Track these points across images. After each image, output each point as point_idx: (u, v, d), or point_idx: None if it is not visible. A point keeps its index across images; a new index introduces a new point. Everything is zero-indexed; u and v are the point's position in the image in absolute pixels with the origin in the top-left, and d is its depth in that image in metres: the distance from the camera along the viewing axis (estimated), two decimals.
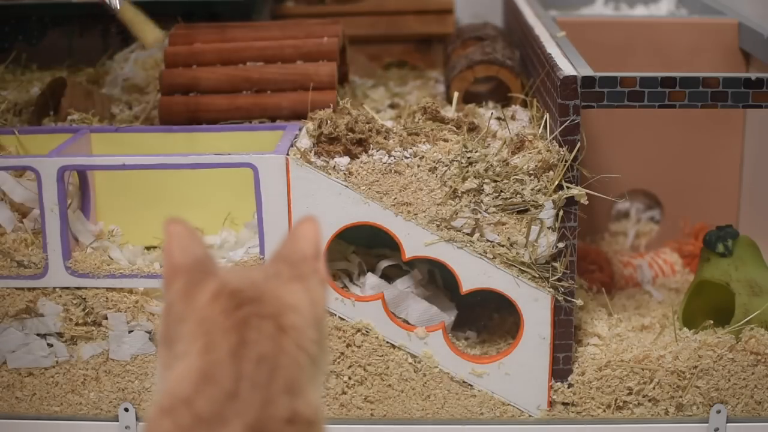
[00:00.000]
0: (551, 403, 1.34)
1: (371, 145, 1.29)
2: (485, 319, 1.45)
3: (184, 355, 0.68)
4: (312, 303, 0.72)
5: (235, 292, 0.70)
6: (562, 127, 1.26)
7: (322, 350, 0.72)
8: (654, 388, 1.32)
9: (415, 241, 1.29)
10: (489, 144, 1.31)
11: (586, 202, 1.28)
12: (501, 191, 1.27)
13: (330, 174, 1.28)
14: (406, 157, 1.28)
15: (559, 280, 1.29)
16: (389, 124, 1.39)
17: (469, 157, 1.27)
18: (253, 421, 0.65)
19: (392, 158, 1.28)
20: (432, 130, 1.34)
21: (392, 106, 1.62)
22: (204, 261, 0.72)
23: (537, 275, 1.29)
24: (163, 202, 1.45)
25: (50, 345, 1.35)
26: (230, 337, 0.67)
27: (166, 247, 0.73)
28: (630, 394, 1.33)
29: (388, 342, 1.33)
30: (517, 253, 1.28)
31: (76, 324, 1.34)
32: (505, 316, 1.44)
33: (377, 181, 1.28)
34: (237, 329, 0.68)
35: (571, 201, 1.27)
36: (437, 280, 1.44)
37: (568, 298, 1.30)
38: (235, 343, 0.67)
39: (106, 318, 1.33)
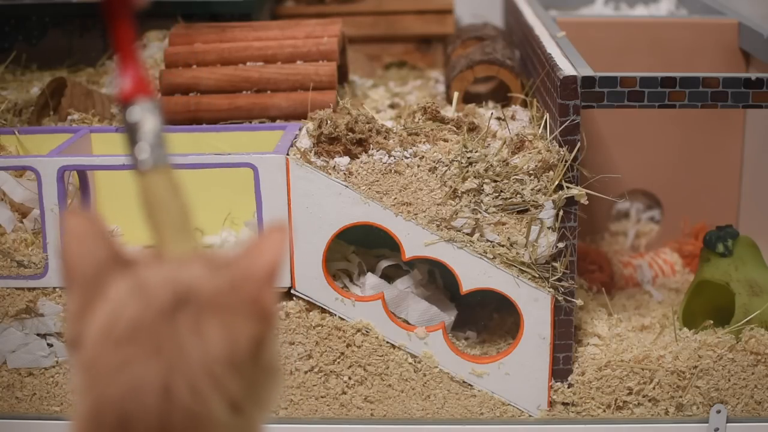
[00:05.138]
0: (551, 403, 1.34)
1: (371, 145, 1.29)
2: (485, 319, 1.45)
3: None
4: (231, 345, 0.58)
5: (123, 335, 0.57)
6: (562, 127, 1.26)
7: (257, 390, 0.60)
8: (654, 388, 1.32)
9: (415, 241, 1.29)
10: (489, 144, 1.31)
11: (586, 202, 1.28)
12: (501, 191, 1.27)
13: (330, 174, 1.28)
14: (406, 157, 1.28)
15: (559, 280, 1.29)
16: (389, 124, 1.39)
17: (469, 157, 1.27)
18: None
19: (392, 158, 1.28)
20: (432, 130, 1.34)
21: (392, 106, 1.62)
22: (105, 269, 0.60)
23: (537, 275, 1.29)
24: None
25: (50, 345, 1.35)
26: (114, 408, 0.56)
27: (63, 249, 0.61)
28: (630, 394, 1.33)
29: (388, 342, 1.33)
30: (517, 253, 1.28)
31: None
32: (505, 316, 1.44)
33: (377, 181, 1.28)
34: (125, 400, 0.56)
35: (571, 201, 1.27)
36: (437, 280, 1.44)
37: (568, 298, 1.30)
38: (119, 418, 0.56)
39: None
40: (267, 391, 0.61)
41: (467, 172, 1.27)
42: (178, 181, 0.67)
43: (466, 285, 1.30)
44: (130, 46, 0.68)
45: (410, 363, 1.33)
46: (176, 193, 0.67)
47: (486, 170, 1.27)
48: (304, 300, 1.32)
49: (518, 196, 1.26)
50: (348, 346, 1.33)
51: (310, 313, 1.32)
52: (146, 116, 0.68)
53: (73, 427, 0.57)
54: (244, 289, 0.59)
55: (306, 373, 1.34)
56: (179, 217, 0.66)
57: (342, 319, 1.32)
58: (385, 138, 1.31)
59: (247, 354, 0.58)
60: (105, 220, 0.63)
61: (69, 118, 1.50)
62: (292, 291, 1.32)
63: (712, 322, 1.36)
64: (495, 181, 1.26)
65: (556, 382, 1.33)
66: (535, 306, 1.29)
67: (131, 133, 0.68)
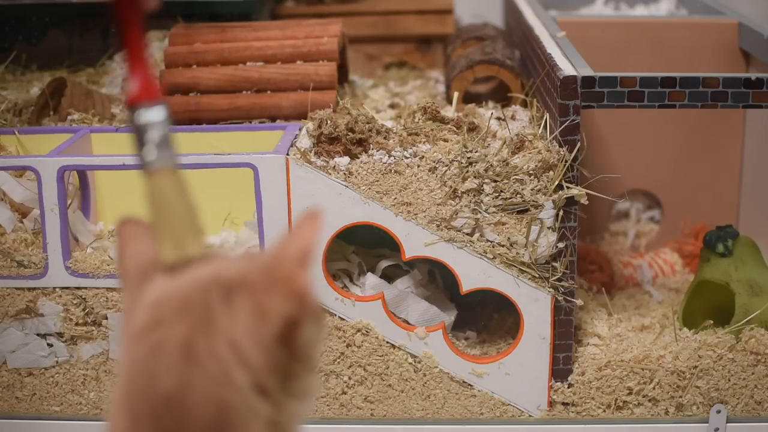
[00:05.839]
0: (551, 403, 1.34)
1: (371, 145, 1.29)
2: (485, 319, 1.45)
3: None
4: (260, 321, 0.58)
5: (156, 308, 0.59)
6: (562, 127, 1.26)
7: (289, 380, 0.60)
8: (654, 388, 1.32)
9: (415, 241, 1.29)
10: (489, 144, 1.31)
11: (586, 202, 1.28)
12: (501, 191, 1.27)
13: (330, 174, 1.28)
14: (406, 157, 1.28)
15: (559, 280, 1.29)
16: (389, 124, 1.39)
17: (469, 157, 1.27)
18: None
19: (392, 158, 1.28)
20: (432, 130, 1.34)
21: (392, 106, 1.62)
22: (149, 268, 0.63)
23: (537, 275, 1.29)
24: None
25: (50, 345, 1.35)
26: (140, 367, 0.58)
27: (118, 250, 0.65)
28: (630, 394, 1.33)
29: (388, 342, 1.33)
30: (517, 253, 1.28)
31: (76, 324, 1.34)
32: (505, 316, 1.44)
33: (377, 181, 1.28)
34: (148, 358, 0.58)
35: (571, 201, 1.27)
36: (437, 280, 1.44)
37: (568, 298, 1.30)
38: (145, 377, 0.57)
39: (106, 318, 1.33)
40: (301, 385, 0.60)
41: (467, 172, 1.27)
42: (186, 183, 0.68)
43: (466, 285, 1.30)
44: (140, 49, 0.69)
45: (410, 363, 1.33)
46: (184, 195, 0.67)
47: (486, 170, 1.27)
48: None
49: (518, 196, 1.26)
50: (348, 346, 1.33)
51: None
52: (153, 119, 0.70)
53: (113, 402, 0.59)
54: (277, 269, 0.59)
55: None
56: (187, 219, 0.66)
57: (342, 319, 1.32)
58: (385, 138, 1.31)
59: (275, 332, 0.58)
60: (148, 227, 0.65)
61: (69, 118, 1.50)
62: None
63: (712, 322, 1.36)
64: (495, 181, 1.26)
65: (556, 382, 1.33)
66: (535, 306, 1.30)
67: (139, 135, 0.69)
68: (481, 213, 1.28)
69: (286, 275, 0.59)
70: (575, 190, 1.26)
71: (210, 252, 0.65)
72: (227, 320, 0.58)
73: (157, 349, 0.57)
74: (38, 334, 1.34)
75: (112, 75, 1.72)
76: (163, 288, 0.61)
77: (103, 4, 0.68)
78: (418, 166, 1.28)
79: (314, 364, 0.62)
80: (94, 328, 1.34)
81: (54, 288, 1.33)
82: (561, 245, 1.28)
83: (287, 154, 1.29)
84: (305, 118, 1.43)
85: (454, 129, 1.36)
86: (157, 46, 1.74)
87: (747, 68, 1.68)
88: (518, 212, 1.27)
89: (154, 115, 0.69)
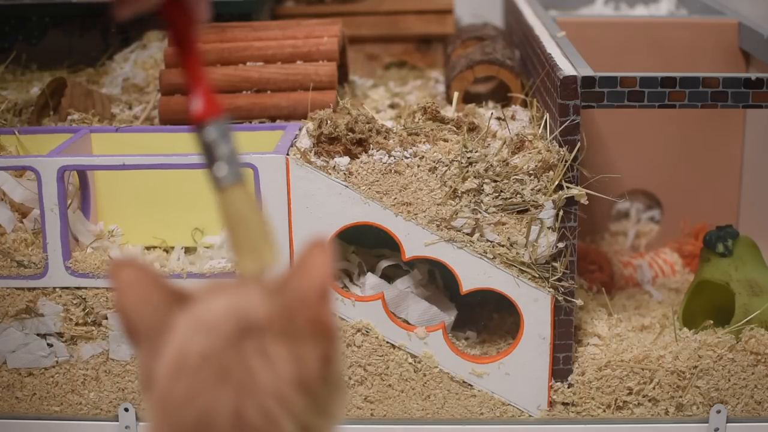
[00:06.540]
0: (551, 403, 1.34)
1: (371, 145, 1.29)
2: (485, 319, 1.45)
3: None
4: (300, 367, 0.58)
5: (189, 375, 0.57)
6: (562, 127, 1.26)
7: (325, 406, 0.61)
8: (654, 388, 1.32)
9: (415, 241, 1.29)
10: (489, 144, 1.31)
11: (586, 202, 1.28)
12: (501, 191, 1.27)
13: (330, 174, 1.28)
14: (406, 157, 1.28)
15: (559, 280, 1.29)
16: (389, 124, 1.39)
17: (469, 157, 1.27)
18: None
19: (392, 158, 1.28)
20: (432, 130, 1.34)
21: (392, 106, 1.62)
22: (164, 312, 0.60)
23: (537, 275, 1.29)
24: (163, 202, 1.45)
25: (50, 345, 1.35)
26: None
27: (117, 303, 0.61)
28: (630, 394, 1.33)
29: (388, 342, 1.33)
30: (517, 253, 1.28)
31: (76, 324, 1.34)
32: (505, 316, 1.44)
33: (377, 181, 1.28)
34: (193, 427, 0.57)
35: (571, 201, 1.27)
36: (437, 280, 1.44)
37: (568, 298, 1.30)
38: None
39: (106, 318, 1.33)
40: (335, 405, 0.62)
41: (467, 172, 1.27)
42: (253, 196, 0.69)
43: (466, 285, 1.30)
44: (198, 67, 0.69)
45: (410, 363, 1.33)
46: (254, 207, 0.68)
47: (486, 170, 1.27)
48: None
49: (518, 196, 1.26)
50: (348, 346, 1.33)
51: None
52: (221, 135, 0.69)
53: None
54: (303, 313, 0.59)
55: None
56: (261, 232, 0.67)
57: (342, 319, 1.32)
58: (385, 138, 1.31)
59: (317, 375, 0.59)
60: (153, 267, 0.64)
61: (69, 118, 1.50)
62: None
63: (712, 322, 1.36)
64: (495, 181, 1.27)
65: (556, 382, 1.33)
66: (535, 306, 1.29)
67: (208, 152, 0.70)
68: (481, 213, 1.28)
69: (314, 317, 0.59)
70: (575, 190, 1.26)
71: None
72: (268, 374, 0.57)
73: (204, 422, 0.56)
74: (38, 334, 1.34)
75: (112, 75, 1.72)
76: (186, 343, 0.58)
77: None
78: (418, 166, 1.28)
79: (342, 382, 0.63)
80: (94, 328, 1.34)
81: (54, 288, 1.33)
82: (561, 245, 1.28)
83: (287, 154, 1.29)
84: (305, 118, 1.43)
85: (454, 129, 1.36)
86: (157, 46, 1.74)
87: (747, 68, 1.68)
88: (518, 212, 1.27)
89: (220, 131, 0.69)
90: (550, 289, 1.29)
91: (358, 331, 1.32)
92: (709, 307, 1.42)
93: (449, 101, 1.56)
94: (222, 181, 0.69)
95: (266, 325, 0.58)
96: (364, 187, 1.28)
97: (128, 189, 1.46)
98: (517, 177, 1.26)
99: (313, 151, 1.30)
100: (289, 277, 0.61)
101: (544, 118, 1.34)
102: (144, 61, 1.72)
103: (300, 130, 1.39)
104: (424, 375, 1.33)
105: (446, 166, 1.27)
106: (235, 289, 0.62)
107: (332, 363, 0.60)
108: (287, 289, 0.60)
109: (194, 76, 0.69)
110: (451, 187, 1.27)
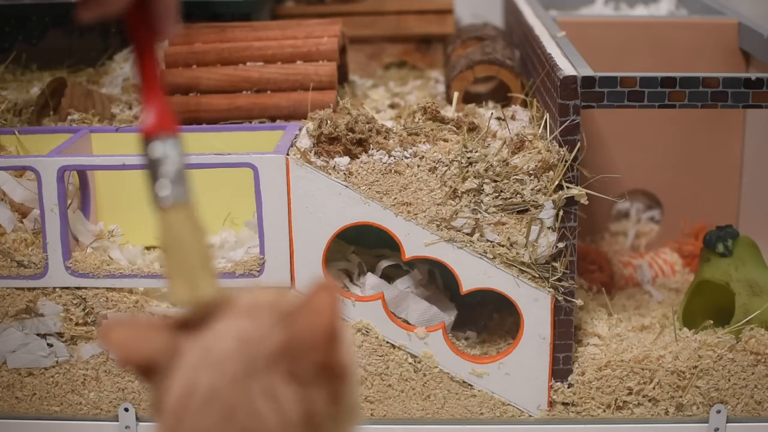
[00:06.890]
0: (551, 403, 1.34)
1: (371, 145, 1.29)
2: (485, 319, 1.45)
3: None
4: (308, 407, 0.58)
5: (199, 405, 0.57)
6: (562, 127, 1.26)
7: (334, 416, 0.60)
8: (654, 388, 1.32)
9: (415, 241, 1.29)
10: (489, 144, 1.31)
11: (586, 202, 1.28)
12: (501, 191, 1.27)
13: (330, 174, 1.28)
14: (406, 157, 1.28)
15: (559, 280, 1.29)
16: (389, 124, 1.39)
17: (469, 157, 1.27)
18: None
19: (392, 158, 1.28)
20: (432, 130, 1.34)
21: (392, 106, 1.62)
22: (166, 353, 0.60)
23: (537, 275, 1.29)
24: None
25: (50, 345, 1.35)
26: None
27: (120, 363, 0.61)
28: (630, 394, 1.33)
29: (388, 342, 1.33)
30: (517, 253, 1.28)
31: (76, 324, 1.34)
32: (505, 316, 1.44)
33: (377, 181, 1.28)
34: None
35: (571, 201, 1.27)
36: (437, 280, 1.44)
37: (568, 298, 1.30)
38: None
39: (107, 318, 1.33)
40: (346, 429, 0.61)
41: (467, 172, 1.27)
42: (199, 220, 0.64)
43: (466, 285, 1.30)
44: (154, 78, 0.67)
45: (410, 363, 1.33)
46: (197, 232, 0.65)
47: (486, 170, 1.27)
48: None
49: (518, 196, 1.26)
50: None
51: None
52: (168, 152, 0.66)
53: None
54: (311, 357, 0.58)
55: None
56: (199, 257, 0.64)
57: (342, 319, 1.32)
58: (385, 138, 1.31)
59: (325, 413, 0.58)
60: (146, 319, 0.62)
61: (69, 118, 1.50)
62: (292, 291, 1.32)
63: (712, 322, 1.36)
64: (495, 181, 1.27)
65: (556, 382, 1.33)
66: (535, 306, 1.29)
67: (153, 168, 0.66)
68: (481, 213, 1.28)
69: (322, 361, 0.58)
70: (575, 190, 1.26)
71: (220, 296, 0.62)
72: (275, 418, 0.57)
73: None
74: (38, 334, 1.34)
75: (112, 75, 1.72)
76: (193, 378, 0.58)
77: (126, 35, 0.67)
78: (418, 166, 1.28)
79: (354, 413, 0.62)
80: (94, 328, 1.34)
81: (54, 288, 1.33)
82: (561, 245, 1.28)
83: (287, 154, 1.29)
84: (305, 118, 1.43)
85: (454, 129, 1.36)
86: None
87: (747, 68, 1.68)
88: (518, 212, 1.27)
89: (168, 148, 0.66)
90: (550, 289, 1.29)
91: (358, 331, 1.32)
92: (709, 307, 1.42)
93: (449, 101, 1.56)
94: (163, 201, 0.65)
95: (275, 361, 0.58)
96: (364, 187, 1.28)
97: (128, 189, 1.46)
98: (517, 177, 1.26)
99: (313, 151, 1.30)
100: (297, 317, 0.60)
101: (544, 118, 1.34)
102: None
103: (300, 130, 1.39)
104: (424, 375, 1.33)
105: (446, 166, 1.27)
106: (246, 312, 0.60)
107: (342, 400, 0.60)
108: (295, 330, 0.59)
109: (150, 88, 0.67)
110: (451, 187, 1.27)
